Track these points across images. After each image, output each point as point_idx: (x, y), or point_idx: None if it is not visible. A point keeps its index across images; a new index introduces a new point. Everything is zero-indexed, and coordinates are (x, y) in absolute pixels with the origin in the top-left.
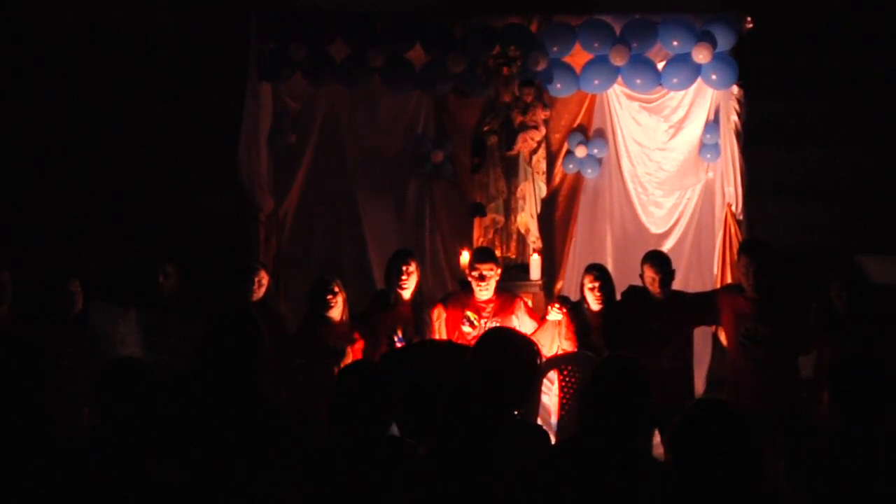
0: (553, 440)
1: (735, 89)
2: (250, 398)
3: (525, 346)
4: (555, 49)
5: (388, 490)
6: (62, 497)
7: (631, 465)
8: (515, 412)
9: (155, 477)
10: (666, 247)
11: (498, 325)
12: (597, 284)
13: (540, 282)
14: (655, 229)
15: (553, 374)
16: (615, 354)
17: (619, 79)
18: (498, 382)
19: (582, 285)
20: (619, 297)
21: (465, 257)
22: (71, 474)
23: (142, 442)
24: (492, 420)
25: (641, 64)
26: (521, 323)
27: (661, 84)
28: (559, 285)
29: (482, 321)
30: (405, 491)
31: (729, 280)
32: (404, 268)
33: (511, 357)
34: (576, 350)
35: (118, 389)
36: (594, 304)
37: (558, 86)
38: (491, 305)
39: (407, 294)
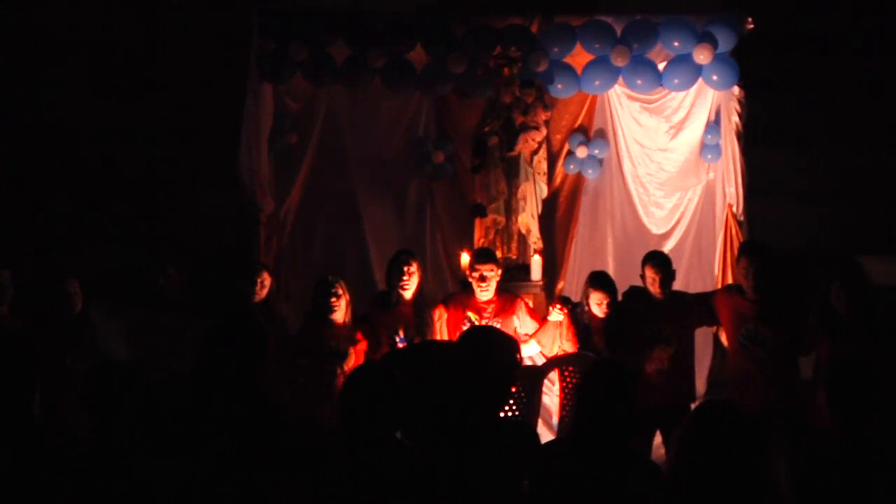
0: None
1: (736, 90)
2: (253, 399)
3: (507, 345)
4: (556, 50)
5: (387, 492)
6: (56, 498)
7: (622, 464)
8: (500, 411)
9: (153, 478)
10: (667, 247)
11: (487, 324)
12: (606, 301)
13: (541, 282)
14: (656, 230)
15: (554, 375)
16: (605, 359)
17: (620, 79)
18: (479, 382)
19: (587, 295)
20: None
21: (465, 258)
22: (65, 475)
23: (135, 443)
24: (475, 420)
25: (642, 65)
26: (522, 323)
27: (661, 85)
28: (560, 286)
29: (483, 322)
30: (402, 492)
31: (730, 280)
32: (405, 268)
33: (492, 356)
34: (576, 350)
35: (103, 393)
36: (599, 314)
37: (559, 86)
38: (492, 306)
39: (408, 294)
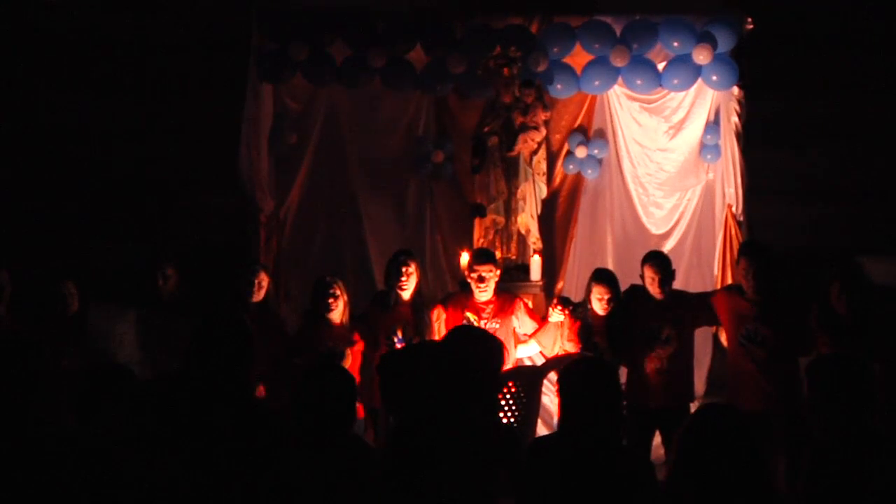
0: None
1: (735, 90)
2: (238, 400)
3: (490, 348)
4: (555, 50)
5: (348, 490)
6: (52, 498)
7: (606, 460)
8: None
9: (141, 478)
10: (666, 248)
11: (486, 324)
12: (607, 297)
13: (540, 282)
14: (656, 230)
15: (554, 375)
16: (583, 356)
17: (620, 80)
18: (459, 382)
19: (589, 290)
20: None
21: (464, 258)
22: (61, 476)
23: (125, 444)
24: (451, 419)
25: (642, 65)
26: (521, 324)
27: (661, 85)
28: (559, 286)
29: (482, 322)
30: (364, 491)
31: (729, 281)
32: (404, 269)
33: (473, 357)
34: (578, 351)
35: (90, 396)
36: (600, 311)
37: (559, 87)
38: (490, 306)
39: (407, 295)
